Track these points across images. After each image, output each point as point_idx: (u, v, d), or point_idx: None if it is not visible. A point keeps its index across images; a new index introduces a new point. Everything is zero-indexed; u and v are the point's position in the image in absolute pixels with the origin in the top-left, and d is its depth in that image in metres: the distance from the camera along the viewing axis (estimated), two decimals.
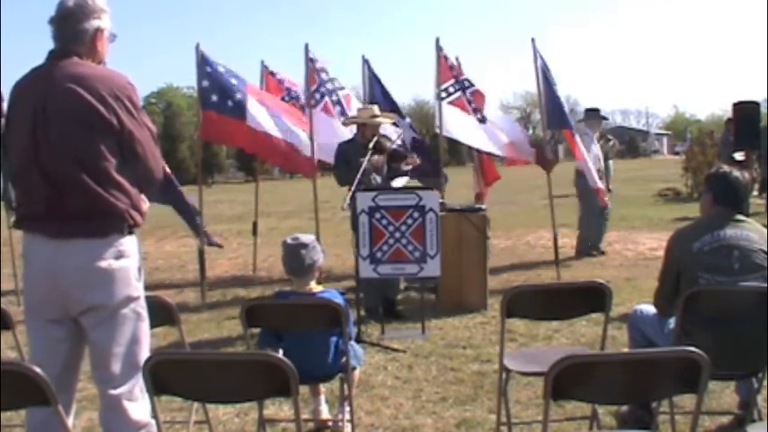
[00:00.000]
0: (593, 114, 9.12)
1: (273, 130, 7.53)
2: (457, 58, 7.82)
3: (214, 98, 7.24)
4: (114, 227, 2.65)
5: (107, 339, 2.67)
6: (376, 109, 6.54)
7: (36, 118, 2.60)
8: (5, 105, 2.74)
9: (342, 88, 7.96)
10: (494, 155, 7.89)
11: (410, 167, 6.63)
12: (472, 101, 7.35)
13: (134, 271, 2.72)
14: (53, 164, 2.59)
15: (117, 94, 2.63)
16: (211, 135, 7.75)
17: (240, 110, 7.33)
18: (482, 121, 7.35)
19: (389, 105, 7.79)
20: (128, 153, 2.67)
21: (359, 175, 5.65)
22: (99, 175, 2.60)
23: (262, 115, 7.47)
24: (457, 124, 7.32)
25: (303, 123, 7.65)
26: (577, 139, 7.64)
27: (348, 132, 7.13)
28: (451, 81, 7.37)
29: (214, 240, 7.25)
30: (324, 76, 7.81)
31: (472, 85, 7.42)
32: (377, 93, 8.05)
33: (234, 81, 7.35)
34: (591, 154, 8.06)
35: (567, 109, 7.78)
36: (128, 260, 2.69)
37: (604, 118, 9.03)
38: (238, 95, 7.33)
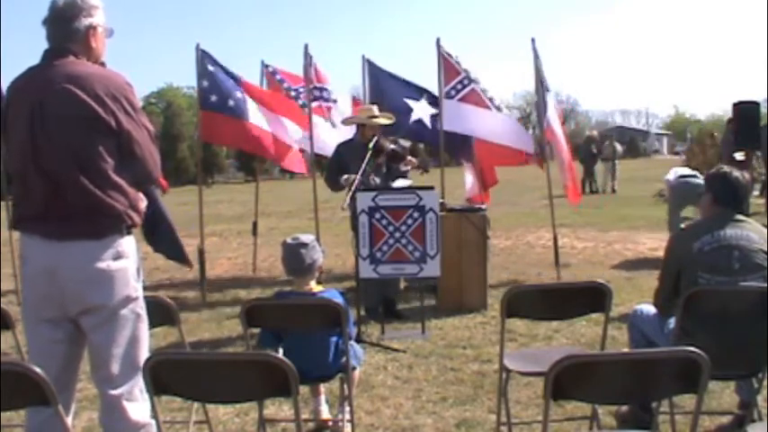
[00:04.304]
0: None
1: (270, 128, 7.60)
2: (456, 58, 7.81)
3: (214, 98, 7.27)
4: (113, 227, 2.64)
5: (106, 340, 2.66)
6: (375, 109, 6.53)
7: (33, 118, 2.57)
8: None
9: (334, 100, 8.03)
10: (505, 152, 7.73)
11: (409, 168, 6.63)
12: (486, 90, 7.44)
13: (133, 271, 2.71)
14: (51, 164, 2.58)
15: (115, 95, 2.60)
16: (211, 135, 7.76)
17: (241, 109, 7.36)
18: (499, 109, 7.50)
19: (408, 92, 7.77)
20: (126, 153, 2.65)
21: (359, 176, 5.64)
22: (97, 175, 2.59)
23: (259, 115, 7.52)
24: (466, 118, 7.33)
25: (301, 119, 7.68)
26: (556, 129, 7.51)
27: (348, 132, 7.13)
28: (461, 76, 7.38)
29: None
30: (319, 82, 7.86)
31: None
32: (388, 87, 7.96)
33: (232, 81, 7.39)
34: None
35: (555, 109, 7.67)
36: (126, 261, 2.68)
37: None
38: (239, 94, 7.36)
